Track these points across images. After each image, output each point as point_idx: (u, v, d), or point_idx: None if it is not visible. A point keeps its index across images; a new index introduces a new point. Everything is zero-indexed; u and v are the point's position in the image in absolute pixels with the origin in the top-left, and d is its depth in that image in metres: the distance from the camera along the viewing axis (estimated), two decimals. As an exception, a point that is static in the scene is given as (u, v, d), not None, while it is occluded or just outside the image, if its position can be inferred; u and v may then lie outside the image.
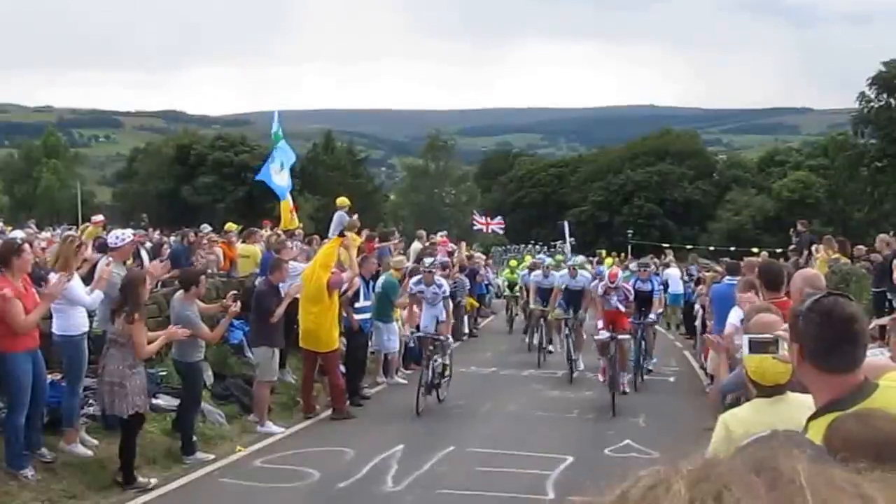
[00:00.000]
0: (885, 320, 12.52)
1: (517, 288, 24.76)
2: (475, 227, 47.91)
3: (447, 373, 13.81)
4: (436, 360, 13.31)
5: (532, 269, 21.79)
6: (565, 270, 18.33)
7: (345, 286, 12.95)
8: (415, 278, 14.53)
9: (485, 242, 49.01)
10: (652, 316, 16.45)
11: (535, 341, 19.06)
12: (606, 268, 20.67)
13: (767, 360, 3.71)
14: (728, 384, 7.12)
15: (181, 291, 9.99)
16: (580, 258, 26.78)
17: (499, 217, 47.60)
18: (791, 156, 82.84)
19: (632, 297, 14.71)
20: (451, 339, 14.68)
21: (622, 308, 14.43)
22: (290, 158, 19.05)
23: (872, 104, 52.82)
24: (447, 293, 14.33)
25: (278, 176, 18.32)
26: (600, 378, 14.38)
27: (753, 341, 3.60)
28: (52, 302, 8.47)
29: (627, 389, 14.65)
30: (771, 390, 3.93)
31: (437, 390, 13.43)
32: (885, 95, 52.56)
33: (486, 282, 27.26)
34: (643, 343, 16.18)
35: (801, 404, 3.23)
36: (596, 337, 14.44)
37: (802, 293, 6.10)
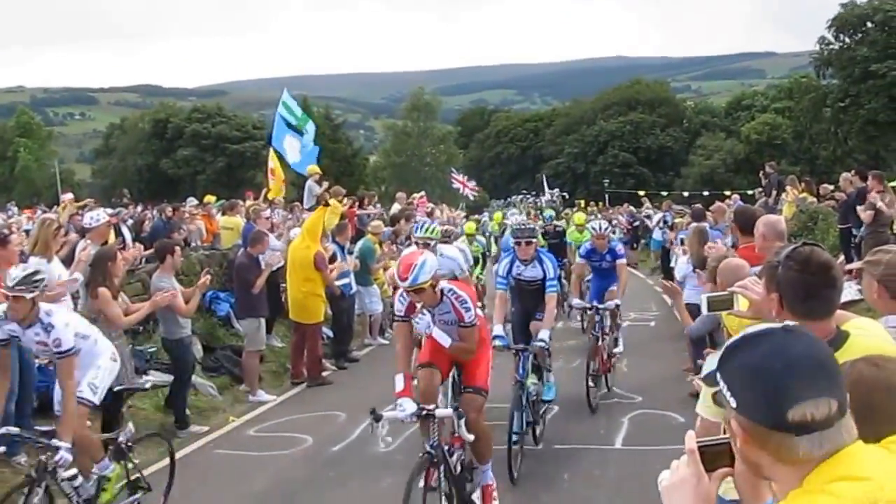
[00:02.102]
0: (857, 265, 12.67)
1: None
2: (454, 186, 47.64)
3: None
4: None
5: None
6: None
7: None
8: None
9: (468, 203, 48.56)
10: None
11: None
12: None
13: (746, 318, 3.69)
14: (695, 329, 7.16)
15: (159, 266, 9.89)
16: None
17: (473, 182, 47.14)
18: (757, 100, 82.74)
19: (468, 319, 6.54)
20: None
21: (442, 340, 6.61)
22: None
23: (832, 46, 52.87)
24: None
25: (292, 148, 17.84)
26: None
27: (711, 300, 3.60)
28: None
29: None
30: None
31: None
32: (843, 36, 52.47)
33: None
34: (525, 396, 8.56)
35: None
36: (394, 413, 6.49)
37: (765, 238, 6.17)
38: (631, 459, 8.47)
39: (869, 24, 51.14)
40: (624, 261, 11.86)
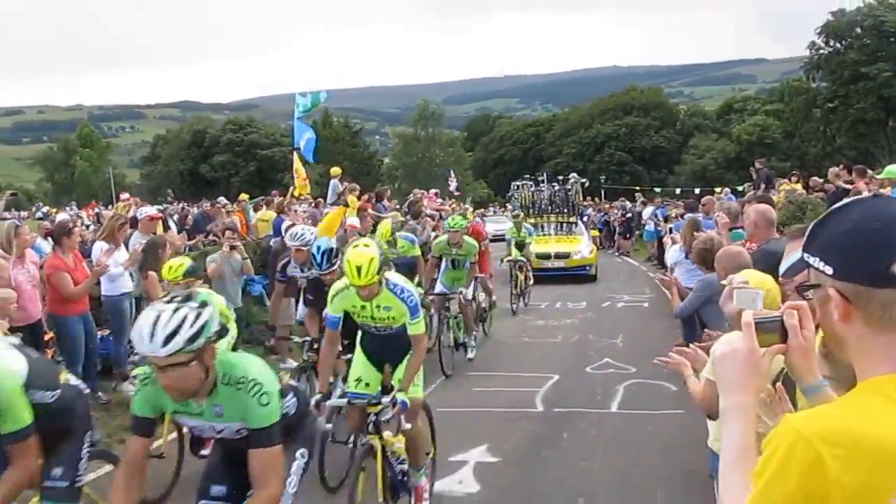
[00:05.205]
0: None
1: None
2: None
3: None
4: None
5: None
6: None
7: None
8: None
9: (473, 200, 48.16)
10: None
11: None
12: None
13: None
14: (681, 309, 7.29)
15: None
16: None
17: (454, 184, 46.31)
18: (749, 104, 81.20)
19: None
20: None
21: None
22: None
23: (822, 51, 51.95)
24: None
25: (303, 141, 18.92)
26: None
27: (741, 293, 3.68)
28: (100, 276, 9.15)
29: None
30: None
31: None
32: (833, 42, 51.55)
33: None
34: None
35: None
36: None
37: (756, 225, 6.28)
38: (625, 422, 8.55)
39: (858, 30, 50.17)
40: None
